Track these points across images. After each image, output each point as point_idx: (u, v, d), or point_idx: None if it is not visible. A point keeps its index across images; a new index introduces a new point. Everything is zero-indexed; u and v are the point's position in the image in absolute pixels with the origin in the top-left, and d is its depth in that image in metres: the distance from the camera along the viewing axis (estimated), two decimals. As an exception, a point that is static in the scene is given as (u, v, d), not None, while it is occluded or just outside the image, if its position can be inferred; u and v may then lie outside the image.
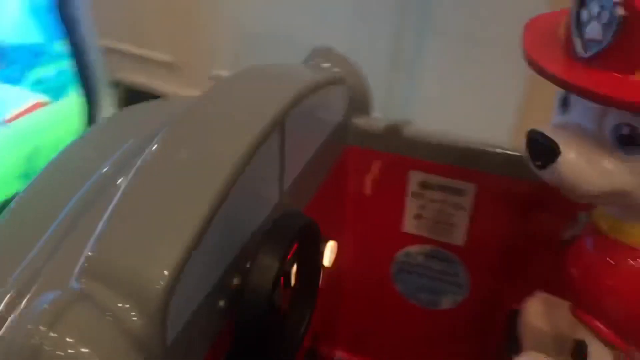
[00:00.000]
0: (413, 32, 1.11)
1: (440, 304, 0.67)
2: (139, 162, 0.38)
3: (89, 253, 0.34)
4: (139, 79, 1.35)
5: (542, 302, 0.58)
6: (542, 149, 0.41)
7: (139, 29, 1.34)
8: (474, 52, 1.02)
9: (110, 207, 0.36)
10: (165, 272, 0.33)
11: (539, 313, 0.58)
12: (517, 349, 0.58)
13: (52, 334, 0.30)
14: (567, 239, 0.50)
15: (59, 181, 0.45)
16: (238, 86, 0.45)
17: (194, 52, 1.32)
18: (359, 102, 0.58)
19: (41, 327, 0.30)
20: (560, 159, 0.40)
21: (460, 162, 0.58)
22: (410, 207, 0.62)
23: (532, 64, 0.40)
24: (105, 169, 0.45)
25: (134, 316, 0.32)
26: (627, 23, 0.35)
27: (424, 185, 0.60)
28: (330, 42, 1.15)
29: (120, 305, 0.32)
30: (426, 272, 0.65)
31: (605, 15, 0.36)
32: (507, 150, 0.58)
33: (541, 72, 0.40)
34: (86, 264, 0.33)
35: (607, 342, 0.47)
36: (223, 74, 1.33)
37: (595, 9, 0.37)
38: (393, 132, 0.59)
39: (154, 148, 0.39)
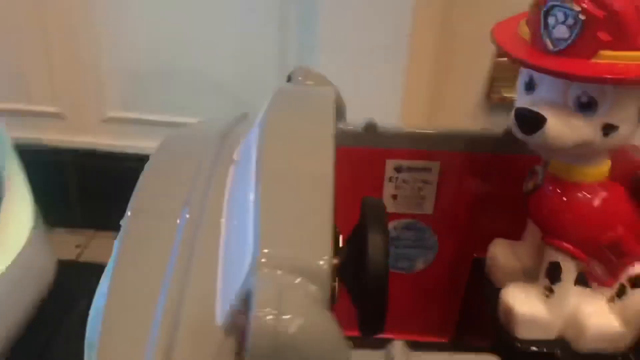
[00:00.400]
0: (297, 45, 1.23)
1: (415, 268, 0.81)
2: (256, 175, 0.46)
3: (265, 250, 0.41)
4: (28, 134, 1.32)
5: (504, 245, 0.74)
6: (531, 120, 0.55)
7: (21, 85, 1.31)
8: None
9: (255, 213, 0.44)
10: (326, 257, 0.42)
11: (504, 254, 0.74)
12: (492, 289, 0.73)
13: (283, 316, 0.38)
14: (530, 190, 0.66)
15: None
16: (289, 107, 0.54)
17: (81, 98, 1.32)
18: (340, 110, 0.69)
19: (272, 310, 0.38)
20: (546, 125, 0.55)
21: (426, 146, 0.72)
22: (387, 190, 0.75)
23: (516, 60, 0.55)
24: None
25: (313, 290, 0.41)
26: (585, 25, 0.51)
27: (398, 170, 0.73)
28: (219, 68, 1.23)
29: (299, 283, 0.41)
30: (403, 243, 0.78)
31: (570, 21, 0.51)
32: (462, 132, 0.73)
33: (523, 64, 0.55)
34: (263, 259, 0.41)
35: (573, 257, 0.63)
36: (117, 115, 1.34)
37: (561, 16, 0.52)
38: (371, 130, 0.71)
39: (265, 164, 0.47)
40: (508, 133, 0.72)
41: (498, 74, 1.14)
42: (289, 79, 0.70)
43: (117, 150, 1.38)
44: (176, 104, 1.35)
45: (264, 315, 0.37)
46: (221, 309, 0.44)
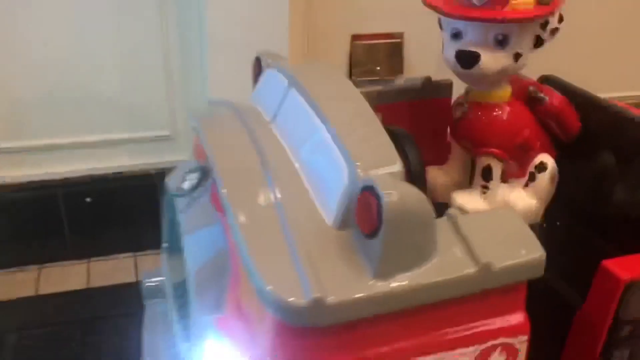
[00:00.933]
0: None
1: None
2: (319, 116, 0.61)
3: (358, 163, 0.57)
4: None
5: (437, 169, 0.96)
6: (470, 58, 0.76)
7: None
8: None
9: (334, 142, 0.59)
10: (398, 162, 0.58)
11: (439, 175, 0.95)
12: (437, 204, 0.94)
13: (403, 192, 0.54)
14: (458, 117, 0.88)
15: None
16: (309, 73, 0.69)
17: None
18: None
19: (394, 192, 0.53)
20: (481, 60, 0.76)
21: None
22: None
23: (449, 14, 0.76)
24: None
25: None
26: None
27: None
28: (105, 83, 1.29)
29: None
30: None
31: (490, -19, 0.73)
32: (390, 87, 0.92)
33: (454, 16, 0.76)
34: (361, 170, 0.57)
35: (499, 159, 0.86)
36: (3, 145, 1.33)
37: (481, -21, 0.74)
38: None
39: (323, 106, 0.62)
40: (424, 82, 0.94)
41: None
42: (258, 61, 0.83)
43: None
44: (66, 125, 1.38)
45: (394, 195, 0.53)
46: (327, 215, 0.59)
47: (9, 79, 1.30)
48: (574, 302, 0.78)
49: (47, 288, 1.40)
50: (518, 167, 0.88)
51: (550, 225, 0.89)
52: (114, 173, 1.46)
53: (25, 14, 1.27)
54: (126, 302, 1.33)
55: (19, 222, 1.42)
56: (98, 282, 1.43)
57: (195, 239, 0.66)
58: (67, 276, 1.45)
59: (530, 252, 0.60)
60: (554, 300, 0.81)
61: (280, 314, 0.53)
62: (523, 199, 0.86)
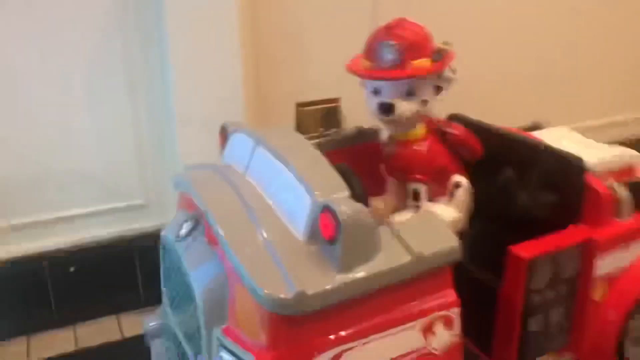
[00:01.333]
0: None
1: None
2: (282, 161, 0.82)
3: (317, 192, 0.78)
4: None
5: (378, 199, 1.17)
6: (386, 107, 1.00)
7: None
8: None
9: (294, 179, 0.80)
10: (345, 190, 0.80)
11: (379, 204, 1.17)
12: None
13: (354, 209, 0.75)
14: (388, 155, 1.11)
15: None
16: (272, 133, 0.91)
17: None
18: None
19: (347, 209, 0.75)
20: (396, 108, 1.00)
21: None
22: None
23: (367, 77, 0.99)
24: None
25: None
26: (400, 51, 0.97)
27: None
28: (82, 161, 1.46)
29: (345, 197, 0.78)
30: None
31: (393, 50, 0.97)
32: (331, 138, 1.14)
33: (370, 77, 0.99)
34: (320, 197, 0.78)
35: (424, 183, 1.08)
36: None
37: (387, 49, 0.97)
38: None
39: (281, 154, 0.83)
40: (357, 131, 1.17)
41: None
42: (224, 129, 1.05)
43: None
44: (48, 202, 1.54)
45: (345, 210, 0.74)
46: (298, 233, 0.79)
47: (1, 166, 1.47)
48: (494, 284, 0.99)
49: (38, 354, 1.53)
50: (439, 187, 1.11)
51: (472, 229, 1.11)
52: (94, 242, 1.62)
53: (12, 106, 1.45)
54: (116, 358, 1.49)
55: (7, 296, 1.55)
56: (86, 344, 1.57)
57: (198, 271, 0.84)
58: (55, 342, 1.58)
59: (448, 242, 0.82)
60: (479, 286, 1.02)
61: (274, 308, 0.73)
62: (448, 212, 1.08)
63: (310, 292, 0.73)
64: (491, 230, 1.08)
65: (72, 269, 1.60)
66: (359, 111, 1.12)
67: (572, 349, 1.05)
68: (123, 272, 1.66)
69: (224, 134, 1.06)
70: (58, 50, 1.45)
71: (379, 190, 1.17)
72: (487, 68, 1.88)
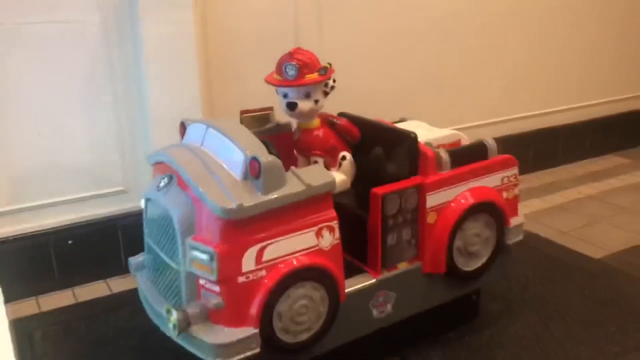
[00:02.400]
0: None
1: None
2: (224, 135, 1.38)
3: (247, 151, 1.34)
4: None
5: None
6: (292, 106, 1.56)
7: None
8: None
9: (232, 144, 1.35)
10: (265, 150, 1.36)
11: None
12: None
13: (269, 158, 1.31)
14: (297, 138, 1.66)
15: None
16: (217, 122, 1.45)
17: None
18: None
19: (267, 157, 1.30)
20: (298, 106, 1.56)
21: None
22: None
23: (278, 86, 1.55)
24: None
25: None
26: (299, 68, 1.54)
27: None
28: (74, 155, 1.98)
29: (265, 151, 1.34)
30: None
31: (294, 67, 1.54)
32: (264, 129, 1.69)
33: (281, 86, 1.55)
34: (248, 151, 1.33)
35: (320, 156, 1.64)
36: (7, 208, 1.96)
37: (290, 67, 1.54)
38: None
39: (222, 129, 1.39)
40: (277, 125, 1.72)
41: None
42: (182, 124, 1.58)
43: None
44: (51, 188, 2.04)
45: (265, 159, 1.29)
46: (237, 175, 1.33)
47: (11, 159, 1.95)
48: (366, 216, 1.55)
49: (46, 308, 2.01)
50: (332, 160, 1.66)
51: (353, 187, 1.67)
52: (87, 221, 2.12)
53: (23, 114, 1.95)
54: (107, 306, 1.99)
55: (19, 264, 2.02)
56: (83, 299, 2.06)
57: (175, 206, 1.37)
58: (59, 299, 2.06)
59: (327, 178, 1.38)
60: (358, 218, 1.57)
61: (223, 215, 1.26)
62: (337, 175, 1.64)
63: (245, 204, 1.27)
64: (366, 189, 1.64)
65: (70, 242, 2.09)
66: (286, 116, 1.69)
67: (419, 258, 1.62)
68: (109, 244, 2.16)
69: (183, 127, 1.60)
70: (58, 71, 1.99)
71: (293, 163, 1.71)
72: (371, 77, 2.49)
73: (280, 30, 2.30)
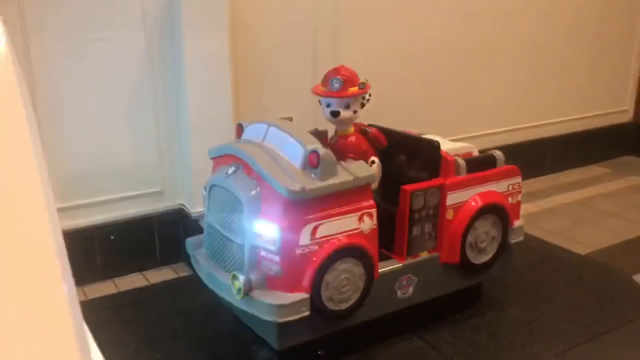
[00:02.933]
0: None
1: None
2: (283, 133, 1.65)
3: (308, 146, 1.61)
4: None
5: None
6: (335, 114, 1.83)
7: None
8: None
9: (292, 140, 1.62)
10: (320, 144, 1.64)
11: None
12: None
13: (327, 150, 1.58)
14: (333, 143, 1.93)
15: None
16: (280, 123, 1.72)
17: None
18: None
19: (326, 150, 1.58)
20: (340, 114, 1.84)
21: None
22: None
23: (325, 96, 1.83)
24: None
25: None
26: (343, 82, 1.82)
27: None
28: (119, 158, 2.23)
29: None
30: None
31: (339, 81, 1.82)
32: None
33: (327, 96, 1.83)
34: (309, 146, 1.61)
35: (354, 159, 1.91)
36: (59, 205, 2.18)
37: (335, 80, 1.82)
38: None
39: (282, 129, 1.66)
40: (317, 129, 1.99)
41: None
42: (239, 125, 1.84)
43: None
44: (95, 189, 2.26)
45: (323, 152, 1.56)
46: (297, 165, 1.60)
47: (64, 161, 2.18)
48: (395, 211, 1.82)
49: (91, 296, 2.21)
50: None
51: (380, 188, 1.94)
52: (127, 218, 2.34)
53: (76, 124, 2.18)
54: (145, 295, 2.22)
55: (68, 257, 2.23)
56: (124, 288, 2.28)
57: (243, 190, 1.62)
58: (102, 289, 2.27)
59: (369, 172, 1.65)
60: (387, 213, 1.84)
61: (289, 195, 1.52)
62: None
63: (307, 188, 1.53)
64: (394, 188, 1.91)
65: (112, 237, 2.31)
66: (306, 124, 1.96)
67: (437, 249, 1.89)
68: (146, 240, 2.39)
69: (240, 128, 1.86)
70: (107, 82, 2.23)
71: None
72: (397, 94, 2.79)
73: (298, 47, 2.58)
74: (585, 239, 2.74)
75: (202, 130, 2.27)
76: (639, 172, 3.70)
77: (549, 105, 3.54)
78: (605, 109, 3.84)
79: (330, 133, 1.96)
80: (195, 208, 2.35)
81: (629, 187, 3.44)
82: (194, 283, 2.28)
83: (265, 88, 2.52)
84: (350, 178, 1.62)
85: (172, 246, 2.44)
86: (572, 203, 3.20)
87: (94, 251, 2.30)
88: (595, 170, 3.76)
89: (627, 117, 3.97)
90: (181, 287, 2.31)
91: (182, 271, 2.43)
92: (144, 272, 2.41)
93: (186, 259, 2.44)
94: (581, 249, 2.62)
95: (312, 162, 1.58)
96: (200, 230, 1.93)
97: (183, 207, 2.45)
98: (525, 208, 3.04)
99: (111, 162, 2.29)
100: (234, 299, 1.62)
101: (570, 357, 1.86)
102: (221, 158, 1.79)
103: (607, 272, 2.40)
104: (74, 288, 0.80)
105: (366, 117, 1.96)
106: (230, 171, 1.69)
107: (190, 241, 1.88)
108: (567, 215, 3.04)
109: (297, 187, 1.53)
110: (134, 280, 2.36)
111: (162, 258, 2.44)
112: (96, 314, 2.06)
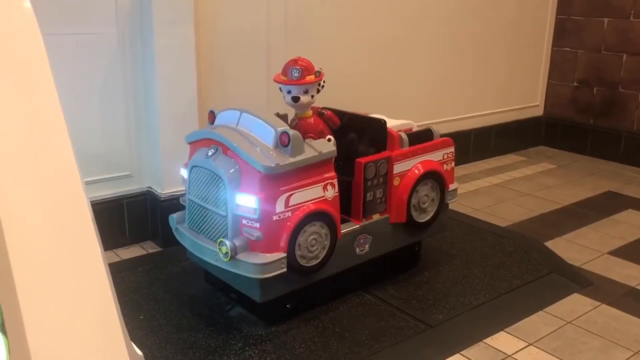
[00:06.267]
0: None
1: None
2: (257, 117, 1.92)
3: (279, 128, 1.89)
4: None
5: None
6: (296, 99, 2.11)
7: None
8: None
9: (262, 121, 1.90)
10: (287, 126, 1.92)
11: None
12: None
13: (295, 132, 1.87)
14: (294, 125, 2.21)
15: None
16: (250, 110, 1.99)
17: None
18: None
19: (294, 131, 1.86)
20: (300, 99, 2.11)
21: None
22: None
23: (286, 84, 2.10)
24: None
25: (290, 131, 1.90)
26: (301, 70, 2.10)
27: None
28: (92, 144, 2.45)
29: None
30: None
31: (298, 70, 2.09)
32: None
33: (288, 84, 2.11)
34: (279, 128, 1.89)
35: (313, 138, 2.20)
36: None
37: (294, 70, 2.09)
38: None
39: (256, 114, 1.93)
40: (279, 113, 2.26)
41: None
42: (212, 112, 2.10)
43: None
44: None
45: (292, 132, 1.84)
46: (270, 144, 1.87)
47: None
48: (350, 180, 2.12)
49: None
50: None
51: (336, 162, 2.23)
52: (99, 200, 2.54)
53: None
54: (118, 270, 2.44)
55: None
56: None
57: (222, 168, 1.88)
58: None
59: (331, 147, 1.94)
60: (344, 182, 2.13)
61: (264, 170, 1.80)
62: (324, 153, 2.21)
63: (280, 163, 1.81)
64: (348, 163, 2.20)
65: (87, 217, 2.51)
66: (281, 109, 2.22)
67: (387, 212, 2.21)
68: (117, 220, 2.60)
69: (212, 115, 2.11)
70: (80, 73, 2.41)
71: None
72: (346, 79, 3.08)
73: (254, 45, 2.84)
74: (504, 214, 3.15)
75: (170, 118, 2.50)
76: (549, 159, 4.18)
77: (470, 100, 3.94)
78: (520, 104, 4.29)
79: (290, 116, 2.24)
80: (164, 190, 2.58)
81: (541, 172, 3.90)
82: (164, 257, 2.55)
83: (226, 78, 2.76)
84: (316, 154, 1.90)
85: (141, 226, 2.66)
86: (492, 185, 3.61)
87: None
88: (512, 158, 4.21)
89: (539, 111, 4.45)
90: (153, 260, 2.54)
91: (150, 248, 2.66)
92: (115, 250, 2.62)
93: (154, 237, 2.69)
94: (501, 223, 3.02)
95: (283, 142, 1.86)
96: (167, 211, 2.17)
97: (151, 190, 2.67)
98: (452, 190, 3.47)
99: (84, 148, 2.48)
100: (220, 262, 1.88)
101: (494, 304, 2.24)
102: (198, 142, 2.04)
103: (523, 239, 2.80)
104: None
105: (321, 100, 2.25)
106: (210, 153, 1.94)
107: (173, 217, 2.12)
108: (488, 195, 3.45)
109: (272, 163, 1.80)
110: (107, 257, 2.56)
111: (131, 237, 2.66)
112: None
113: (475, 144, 4.02)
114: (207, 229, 1.98)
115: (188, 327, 2.06)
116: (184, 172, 2.06)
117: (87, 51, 2.40)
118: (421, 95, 3.65)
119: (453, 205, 2.58)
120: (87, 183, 2.50)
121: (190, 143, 2.09)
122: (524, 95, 4.31)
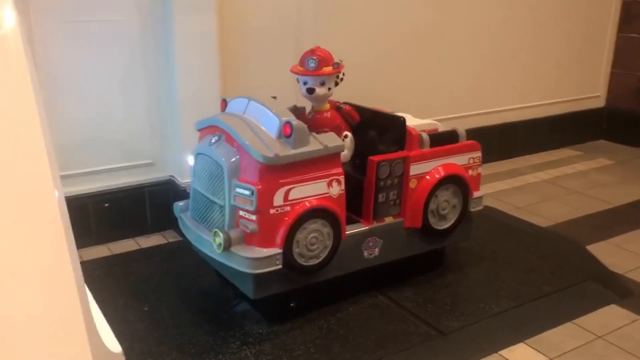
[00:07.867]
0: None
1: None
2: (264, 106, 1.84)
3: (283, 118, 1.80)
4: None
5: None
6: (311, 91, 2.02)
7: None
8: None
9: (267, 110, 1.81)
10: (294, 118, 1.83)
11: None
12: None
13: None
14: (309, 118, 2.12)
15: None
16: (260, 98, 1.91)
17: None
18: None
19: (298, 121, 1.77)
20: (316, 91, 2.02)
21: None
22: (263, 134, 2.13)
23: (303, 74, 2.02)
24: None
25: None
26: (318, 61, 2.01)
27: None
28: (116, 132, 2.42)
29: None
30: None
31: (314, 61, 2.00)
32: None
33: (305, 75, 2.02)
34: (284, 118, 1.80)
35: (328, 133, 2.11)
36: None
37: (311, 61, 2.01)
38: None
39: (261, 102, 1.85)
40: (296, 106, 2.17)
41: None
42: (224, 100, 2.03)
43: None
44: (92, 159, 2.45)
45: (296, 122, 1.75)
46: (273, 134, 1.79)
47: (62, 132, 2.36)
48: (362, 179, 2.01)
49: (87, 258, 2.40)
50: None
51: (352, 160, 2.12)
52: (121, 187, 2.53)
53: (75, 97, 2.37)
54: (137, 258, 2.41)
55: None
56: (117, 252, 2.47)
57: (224, 156, 1.81)
58: (96, 252, 2.46)
59: (338, 142, 1.84)
60: (356, 181, 2.03)
61: (264, 161, 1.71)
62: (341, 149, 2.10)
63: (280, 154, 1.72)
64: (362, 160, 2.10)
65: (106, 205, 2.50)
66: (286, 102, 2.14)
67: (402, 215, 2.08)
68: (138, 208, 2.58)
69: (224, 102, 2.04)
70: (104, 60, 2.40)
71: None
72: (370, 75, 2.98)
73: (281, 30, 2.76)
74: (547, 213, 2.94)
75: (190, 107, 2.45)
76: (608, 155, 3.89)
77: (519, 90, 3.73)
78: (578, 95, 4.02)
79: (308, 110, 2.15)
80: (184, 179, 2.54)
81: (596, 168, 3.63)
82: (182, 247, 2.49)
83: (250, 68, 2.70)
84: (321, 147, 1.81)
85: (162, 214, 2.63)
86: (540, 182, 3.39)
87: (89, 218, 2.49)
88: (567, 152, 3.95)
89: (600, 102, 4.16)
90: (170, 250, 2.50)
91: (171, 237, 2.62)
92: (135, 238, 2.60)
93: (175, 226, 2.65)
94: (543, 222, 2.81)
95: (285, 132, 1.77)
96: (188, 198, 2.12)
97: (172, 178, 2.63)
98: (495, 186, 3.27)
99: (106, 136, 2.48)
100: (215, 253, 1.81)
101: (517, 312, 2.06)
102: (206, 129, 1.98)
103: (563, 241, 2.60)
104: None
105: (341, 95, 2.15)
106: (213, 140, 1.88)
107: (177, 205, 2.07)
108: (534, 192, 3.24)
109: (271, 153, 1.72)
110: (127, 245, 2.55)
111: (152, 225, 2.63)
112: (89, 273, 2.25)
113: (526, 137, 3.80)
114: (207, 219, 1.91)
115: (190, 322, 2.00)
116: (191, 160, 2.01)
117: (109, 38, 2.40)
118: (462, 86, 3.47)
119: (492, 202, 2.38)
120: (109, 170, 2.52)
121: (199, 130, 2.03)
122: (583, 85, 4.06)
